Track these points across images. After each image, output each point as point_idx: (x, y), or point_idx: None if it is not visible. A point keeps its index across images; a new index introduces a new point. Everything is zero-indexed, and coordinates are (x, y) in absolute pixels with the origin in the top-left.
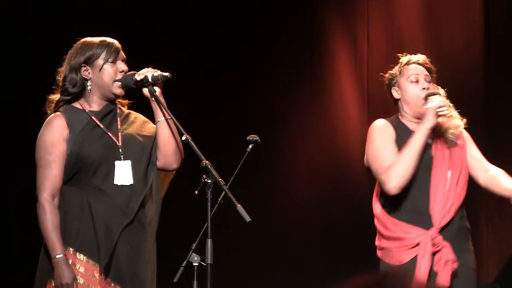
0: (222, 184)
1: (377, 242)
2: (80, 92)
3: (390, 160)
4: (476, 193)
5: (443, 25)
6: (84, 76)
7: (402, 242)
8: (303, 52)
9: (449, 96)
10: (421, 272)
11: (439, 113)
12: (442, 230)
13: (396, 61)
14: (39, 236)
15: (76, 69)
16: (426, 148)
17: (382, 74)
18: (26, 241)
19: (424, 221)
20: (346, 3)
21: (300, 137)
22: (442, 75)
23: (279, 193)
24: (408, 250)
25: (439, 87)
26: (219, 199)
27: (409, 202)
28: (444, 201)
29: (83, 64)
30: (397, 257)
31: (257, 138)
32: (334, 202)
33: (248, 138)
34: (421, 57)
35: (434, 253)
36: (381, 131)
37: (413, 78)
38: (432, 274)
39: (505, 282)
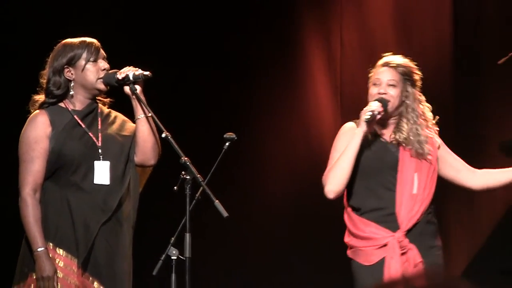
0: (201, 180)
1: (346, 239)
2: (65, 94)
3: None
4: (445, 191)
5: (414, 27)
6: (67, 77)
7: (370, 242)
8: (279, 53)
9: None
10: (392, 273)
11: (365, 119)
12: (408, 232)
13: (368, 62)
14: (20, 231)
15: (59, 71)
16: (392, 150)
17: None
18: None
19: (391, 222)
20: (320, 5)
21: (276, 135)
22: None
23: (256, 189)
24: (376, 250)
25: (415, 94)
26: (197, 195)
27: (376, 202)
28: (411, 204)
29: (65, 66)
30: (366, 256)
31: (234, 136)
32: (309, 197)
33: (225, 136)
34: (393, 59)
35: (401, 254)
36: (344, 134)
37: (375, 81)
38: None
39: (472, 277)
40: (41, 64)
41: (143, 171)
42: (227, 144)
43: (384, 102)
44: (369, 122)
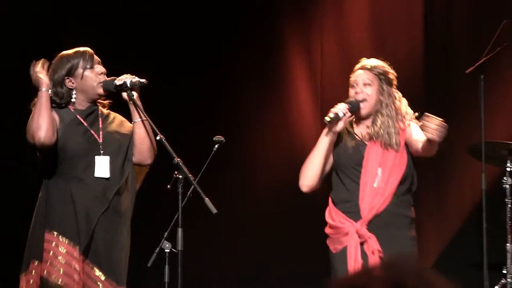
0: (192, 179)
1: (326, 229)
2: (68, 102)
3: None
4: (418, 186)
5: (388, 37)
6: (69, 87)
7: (337, 231)
8: (265, 62)
9: None
10: (352, 260)
11: (325, 120)
12: (370, 222)
13: (346, 70)
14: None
15: (60, 82)
16: (361, 147)
17: None
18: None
19: (354, 213)
20: (302, 18)
21: (261, 137)
22: None
23: (243, 187)
24: (342, 239)
25: (392, 91)
26: (189, 193)
27: (345, 195)
28: (372, 196)
29: (66, 77)
30: (334, 244)
31: (222, 138)
32: (293, 194)
33: (214, 138)
34: (368, 62)
35: (363, 243)
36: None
37: (352, 82)
38: (364, 264)
39: (442, 267)
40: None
41: (140, 170)
42: (216, 146)
43: (352, 104)
44: (331, 122)
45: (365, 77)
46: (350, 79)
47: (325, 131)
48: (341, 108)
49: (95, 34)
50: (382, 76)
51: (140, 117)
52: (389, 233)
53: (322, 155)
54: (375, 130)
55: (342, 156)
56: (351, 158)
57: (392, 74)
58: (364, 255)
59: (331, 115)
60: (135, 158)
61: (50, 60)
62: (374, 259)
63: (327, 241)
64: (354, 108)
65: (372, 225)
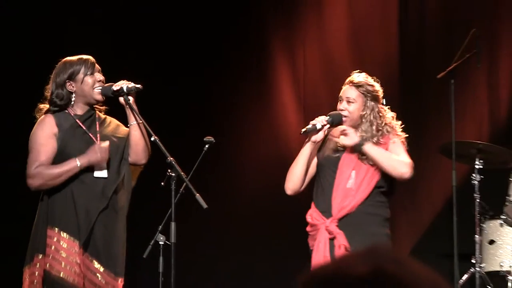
0: (184, 177)
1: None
2: (67, 103)
3: None
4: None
5: (366, 47)
6: (69, 90)
7: (314, 228)
8: (252, 70)
9: None
10: (319, 254)
11: (302, 131)
12: (342, 220)
13: (326, 77)
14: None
15: (62, 85)
16: (339, 152)
17: None
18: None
19: (327, 211)
20: (287, 30)
21: (249, 138)
22: None
23: (232, 184)
24: (315, 236)
25: (377, 106)
26: (181, 189)
27: (321, 195)
28: (343, 196)
29: (67, 80)
30: (311, 241)
31: (213, 139)
32: (277, 190)
33: (205, 139)
34: (352, 77)
35: (333, 239)
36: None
37: (340, 98)
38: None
39: (416, 257)
40: (42, 76)
41: (135, 169)
42: (206, 146)
43: (334, 117)
44: (306, 133)
45: (350, 94)
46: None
47: (307, 139)
48: (319, 120)
49: (94, 35)
50: (367, 94)
51: (136, 120)
52: (363, 231)
53: (304, 161)
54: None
55: (322, 158)
56: (329, 160)
57: (378, 91)
58: (333, 250)
59: (308, 126)
60: (130, 158)
61: (51, 61)
62: (341, 253)
63: (308, 239)
64: (335, 121)
65: (344, 223)
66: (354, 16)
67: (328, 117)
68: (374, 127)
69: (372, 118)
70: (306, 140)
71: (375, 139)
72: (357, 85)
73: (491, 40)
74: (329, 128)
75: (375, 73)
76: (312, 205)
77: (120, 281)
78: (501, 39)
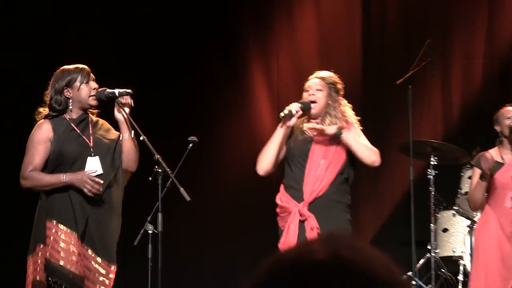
0: (170, 172)
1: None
2: (65, 109)
3: None
4: (357, 176)
5: (332, 55)
6: (66, 96)
7: (283, 210)
8: (232, 76)
9: None
10: (290, 235)
11: (280, 115)
12: (311, 204)
13: (298, 83)
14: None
15: (60, 91)
16: (308, 141)
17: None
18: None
19: (299, 196)
20: (262, 41)
21: (228, 137)
22: None
23: (213, 178)
24: (285, 217)
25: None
26: (167, 184)
27: (292, 180)
28: (314, 182)
29: (65, 87)
30: (281, 221)
31: (196, 138)
32: (253, 183)
33: (189, 138)
34: (320, 73)
35: (303, 221)
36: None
37: (306, 88)
38: (303, 238)
39: (377, 244)
40: (42, 82)
41: (126, 171)
42: (190, 145)
43: (305, 104)
44: (285, 118)
45: (318, 84)
46: (305, 85)
47: (280, 124)
48: (294, 106)
49: (92, 41)
50: (331, 85)
51: (129, 131)
52: (327, 215)
53: (277, 144)
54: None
55: (293, 148)
56: (300, 150)
57: (340, 84)
58: (304, 231)
59: (285, 111)
60: (123, 164)
61: (50, 62)
62: (312, 235)
63: (277, 219)
64: (306, 108)
65: (313, 207)
66: (322, 29)
67: (300, 104)
68: (339, 115)
69: (337, 106)
70: (280, 124)
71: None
72: (322, 77)
73: (444, 50)
74: (301, 114)
75: (340, 78)
76: (282, 189)
77: (113, 268)
78: (453, 49)
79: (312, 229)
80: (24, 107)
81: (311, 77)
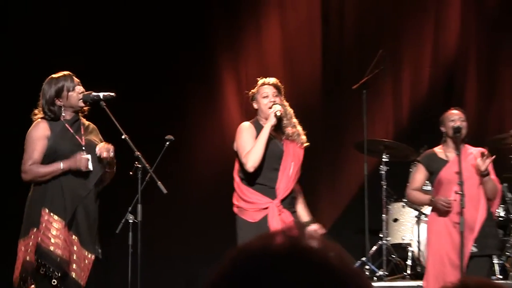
0: (148, 168)
1: (234, 202)
2: (59, 116)
3: (248, 148)
4: (317, 171)
5: (295, 63)
6: (58, 105)
7: (254, 205)
8: (205, 82)
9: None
10: (274, 227)
11: (276, 114)
12: (283, 201)
13: None
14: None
15: (51, 102)
16: (278, 145)
17: (247, 91)
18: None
19: (272, 193)
20: (232, 50)
21: (202, 137)
22: (295, 96)
23: (188, 173)
24: (259, 211)
25: (284, 101)
26: (146, 178)
27: (262, 179)
28: (287, 182)
29: (55, 98)
30: (251, 215)
31: (172, 137)
32: (223, 177)
33: (166, 137)
34: (271, 80)
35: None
36: (245, 129)
37: (264, 94)
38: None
39: (335, 232)
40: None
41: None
42: (167, 143)
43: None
44: (278, 117)
45: (273, 90)
46: (260, 92)
47: (269, 124)
48: (278, 108)
49: (75, 61)
50: (280, 90)
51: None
52: (291, 209)
53: (265, 143)
54: (289, 134)
55: (267, 152)
56: (272, 152)
57: (283, 89)
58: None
59: (278, 113)
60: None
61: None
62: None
63: (238, 211)
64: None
65: (284, 203)
66: (286, 39)
67: (280, 106)
68: (289, 117)
69: (289, 111)
70: (269, 124)
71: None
72: (276, 84)
73: (395, 58)
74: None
75: (302, 84)
76: (246, 187)
77: (91, 256)
78: (403, 58)
79: (288, 223)
80: (13, 108)
81: (261, 83)
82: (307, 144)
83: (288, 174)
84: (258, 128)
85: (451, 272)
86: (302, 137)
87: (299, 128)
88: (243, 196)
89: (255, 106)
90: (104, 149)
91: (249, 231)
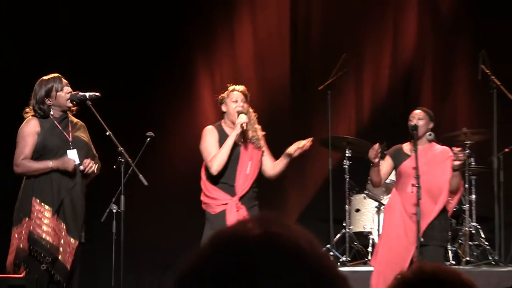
0: (131, 162)
1: (202, 198)
2: (48, 114)
3: (213, 153)
4: (287, 166)
5: (266, 67)
6: (48, 104)
7: (216, 201)
8: (182, 84)
9: (270, 110)
10: (230, 221)
11: (242, 126)
12: (242, 198)
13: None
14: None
15: (41, 102)
16: (237, 147)
17: (215, 95)
18: None
19: (231, 190)
20: (207, 53)
21: (178, 134)
22: (265, 97)
23: (166, 166)
24: (219, 206)
25: (250, 107)
26: (129, 171)
27: (224, 178)
28: (244, 180)
29: (45, 98)
30: (213, 208)
31: (153, 134)
32: (196, 170)
33: (147, 134)
34: (240, 87)
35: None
36: (209, 133)
37: (234, 99)
38: None
39: (302, 222)
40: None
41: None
42: (148, 139)
43: (247, 114)
44: (242, 128)
45: (242, 96)
46: (230, 96)
47: (235, 133)
48: (245, 119)
49: (63, 63)
50: (247, 97)
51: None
52: (251, 205)
53: (230, 149)
54: (248, 137)
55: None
56: (233, 154)
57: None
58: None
59: (245, 122)
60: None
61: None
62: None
63: (205, 207)
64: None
65: (243, 200)
66: (257, 45)
67: (246, 115)
68: (253, 122)
69: (252, 116)
70: (233, 134)
71: (258, 132)
72: (244, 92)
73: (357, 62)
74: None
75: (272, 86)
76: (210, 184)
77: (74, 242)
78: (364, 60)
79: (244, 217)
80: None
81: (232, 89)
82: (259, 145)
83: (245, 173)
84: (221, 131)
85: (401, 257)
86: (260, 142)
87: (259, 133)
88: (207, 193)
89: (224, 109)
90: (88, 167)
91: (213, 221)
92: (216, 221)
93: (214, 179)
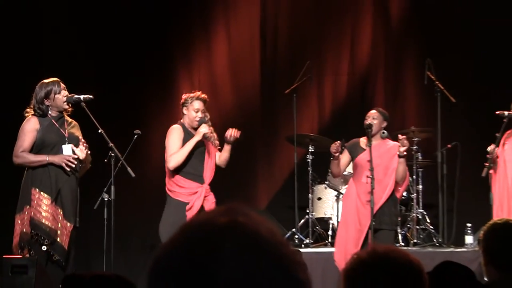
0: (120, 156)
1: (168, 187)
2: (46, 113)
3: (174, 150)
4: (256, 159)
5: (239, 73)
6: (47, 105)
7: (186, 190)
8: (164, 85)
9: (242, 111)
10: (195, 206)
11: (204, 135)
12: (209, 184)
13: (214, 93)
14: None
15: (41, 102)
16: (202, 144)
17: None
18: None
19: (200, 180)
20: (187, 59)
21: (161, 131)
22: (238, 99)
23: (150, 160)
24: (190, 196)
25: (206, 111)
26: (118, 164)
27: (192, 168)
28: (211, 170)
29: (44, 99)
30: (183, 197)
31: (140, 132)
32: None
33: (134, 131)
34: (202, 95)
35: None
36: (175, 131)
37: (196, 109)
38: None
39: (271, 209)
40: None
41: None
42: (135, 136)
43: (203, 121)
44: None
45: (202, 105)
46: (192, 104)
47: (197, 138)
48: (207, 129)
49: (62, 67)
50: (206, 103)
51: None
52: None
53: (190, 150)
54: (210, 135)
55: (194, 149)
56: (199, 148)
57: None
58: (207, 205)
59: (207, 132)
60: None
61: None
62: (212, 207)
63: (172, 194)
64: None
65: (209, 188)
66: (231, 52)
67: (206, 124)
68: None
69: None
70: (194, 139)
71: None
72: (204, 100)
73: (319, 68)
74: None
75: (244, 90)
76: (175, 174)
77: (70, 225)
78: (325, 67)
79: (212, 203)
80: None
81: (198, 96)
82: (215, 144)
83: (211, 165)
84: (186, 131)
85: (357, 237)
86: (216, 141)
87: (214, 134)
88: (177, 183)
89: (185, 111)
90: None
91: (176, 208)
92: (184, 208)
93: (185, 171)
